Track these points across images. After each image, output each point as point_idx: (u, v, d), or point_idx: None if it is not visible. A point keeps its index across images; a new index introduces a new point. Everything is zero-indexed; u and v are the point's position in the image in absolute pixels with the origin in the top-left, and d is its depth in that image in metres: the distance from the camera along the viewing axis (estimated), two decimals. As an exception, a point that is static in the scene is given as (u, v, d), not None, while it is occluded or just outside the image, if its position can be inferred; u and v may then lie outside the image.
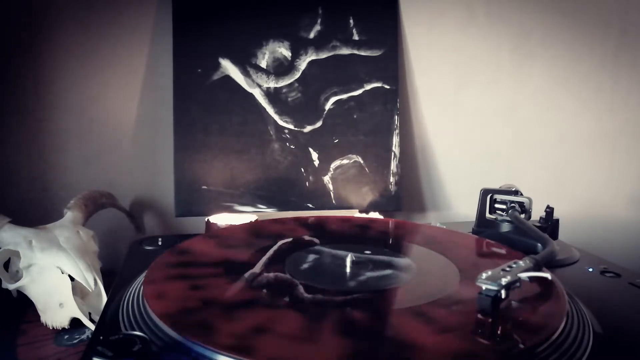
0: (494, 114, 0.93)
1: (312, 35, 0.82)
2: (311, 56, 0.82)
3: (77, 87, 0.80)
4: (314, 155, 0.82)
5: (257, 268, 0.45)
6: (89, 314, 0.58)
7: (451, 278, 0.44)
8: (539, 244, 0.53)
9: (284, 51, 0.81)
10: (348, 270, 0.45)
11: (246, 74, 0.80)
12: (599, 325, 0.39)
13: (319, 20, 0.82)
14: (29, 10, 0.77)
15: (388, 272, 0.45)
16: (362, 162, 0.83)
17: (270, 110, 0.81)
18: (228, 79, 0.80)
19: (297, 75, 0.81)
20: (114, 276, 0.51)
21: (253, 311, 0.36)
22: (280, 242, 0.53)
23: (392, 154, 0.84)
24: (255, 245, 0.51)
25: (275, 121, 0.81)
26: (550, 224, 0.59)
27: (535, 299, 0.40)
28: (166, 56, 0.80)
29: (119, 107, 0.81)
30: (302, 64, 0.82)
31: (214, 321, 0.34)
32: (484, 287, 0.36)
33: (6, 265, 0.63)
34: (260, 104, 0.80)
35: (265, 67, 0.81)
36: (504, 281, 0.36)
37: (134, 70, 0.81)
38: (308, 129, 0.82)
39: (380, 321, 0.36)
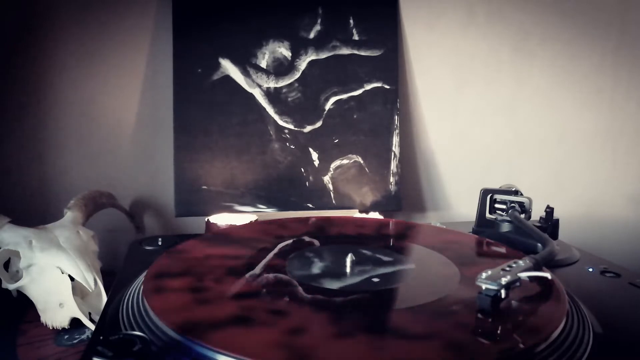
0: (493, 113, 0.93)
1: (312, 35, 0.82)
2: (311, 56, 0.82)
3: (77, 87, 0.80)
4: (314, 155, 0.82)
5: (257, 269, 0.45)
6: (89, 314, 0.58)
7: (451, 278, 0.44)
8: (539, 244, 0.53)
9: (284, 51, 0.81)
10: (348, 270, 0.45)
11: (246, 74, 0.80)
12: (599, 325, 0.39)
13: (319, 20, 0.82)
14: (29, 10, 0.77)
15: (388, 272, 0.45)
16: (362, 162, 0.83)
17: (270, 110, 0.81)
18: (228, 79, 0.80)
19: (297, 75, 0.81)
20: (114, 276, 0.51)
21: (253, 311, 0.36)
22: (280, 244, 0.53)
23: (392, 154, 0.84)
24: (255, 246, 0.51)
25: (275, 121, 0.81)
26: (550, 224, 0.59)
27: (535, 299, 0.40)
28: (166, 56, 0.80)
29: (119, 107, 0.81)
30: (302, 64, 0.82)
31: (214, 321, 0.34)
32: (483, 286, 0.36)
33: (6, 265, 0.63)
34: (260, 104, 0.80)
35: (265, 67, 0.81)
36: (503, 281, 0.36)
37: (134, 70, 0.81)
38: (308, 129, 0.82)
39: (379, 321, 0.36)
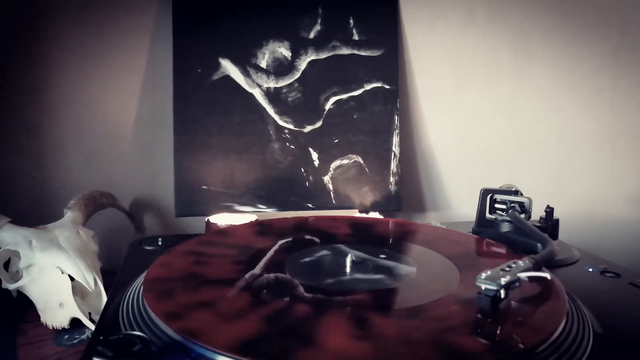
0: (494, 113, 0.93)
1: (312, 35, 0.82)
2: (311, 56, 0.82)
3: (77, 87, 0.80)
4: (314, 155, 0.82)
5: (257, 269, 0.45)
6: (89, 314, 0.58)
7: (451, 278, 0.44)
8: (539, 244, 0.53)
9: (284, 51, 0.81)
10: (348, 270, 0.45)
11: (246, 74, 0.80)
12: (599, 325, 0.39)
13: (319, 20, 0.82)
14: (29, 10, 0.77)
15: (387, 272, 0.45)
16: (362, 162, 0.83)
17: (270, 110, 0.81)
18: (228, 79, 0.80)
19: (297, 75, 0.81)
20: (114, 276, 0.51)
21: (252, 311, 0.36)
22: (280, 242, 0.53)
23: (392, 154, 0.84)
24: (255, 245, 0.51)
25: (275, 121, 0.81)
26: (550, 224, 0.59)
27: (535, 299, 0.40)
28: (166, 56, 0.80)
29: (119, 107, 0.82)
30: (302, 64, 0.82)
31: (214, 321, 0.34)
32: (483, 286, 0.36)
33: (6, 265, 0.63)
34: (260, 104, 0.80)
35: (265, 67, 0.81)
36: (503, 281, 0.36)
37: (134, 70, 0.81)
38: (308, 129, 0.82)
39: (379, 321, 0.36)
